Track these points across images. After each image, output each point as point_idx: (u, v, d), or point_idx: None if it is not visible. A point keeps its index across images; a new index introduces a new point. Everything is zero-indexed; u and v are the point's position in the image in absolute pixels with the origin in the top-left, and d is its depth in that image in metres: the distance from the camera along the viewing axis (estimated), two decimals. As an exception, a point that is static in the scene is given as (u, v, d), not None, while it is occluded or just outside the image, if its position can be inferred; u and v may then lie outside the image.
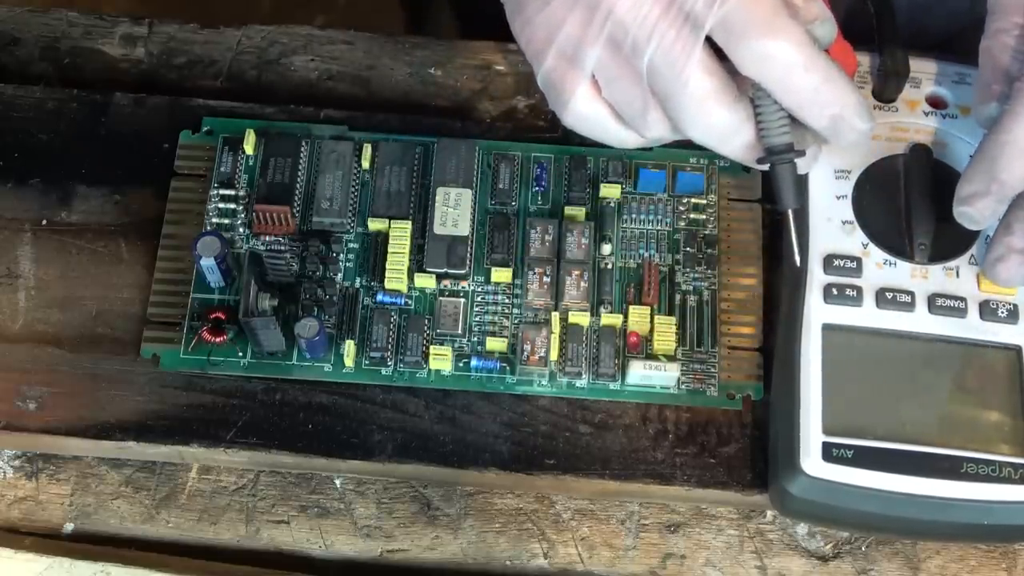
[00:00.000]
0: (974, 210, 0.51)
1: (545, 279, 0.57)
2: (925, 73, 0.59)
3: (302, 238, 0.58)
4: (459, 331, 0.57)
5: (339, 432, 0.55)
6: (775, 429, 0.54)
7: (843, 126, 0.49)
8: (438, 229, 0.58)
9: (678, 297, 0.58)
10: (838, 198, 0.56)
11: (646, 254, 0.58)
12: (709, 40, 0.48)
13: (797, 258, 0.52)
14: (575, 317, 0.57)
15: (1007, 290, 0.54)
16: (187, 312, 0.57)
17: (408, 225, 0.58)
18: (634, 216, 0.59)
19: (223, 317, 0.56)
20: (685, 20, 0.47)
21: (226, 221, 0.59)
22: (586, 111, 0.51)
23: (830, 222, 0.56)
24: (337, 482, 0.57)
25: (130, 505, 0.56)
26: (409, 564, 0.56)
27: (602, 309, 0.57)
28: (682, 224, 0.59)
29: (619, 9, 0.48)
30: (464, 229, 0.58)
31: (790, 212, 0.52)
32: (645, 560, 0.56)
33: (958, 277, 0.55)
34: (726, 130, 0.49)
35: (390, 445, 0.55)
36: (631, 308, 0.57)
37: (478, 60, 0.64)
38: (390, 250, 0.57)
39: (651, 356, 0.57)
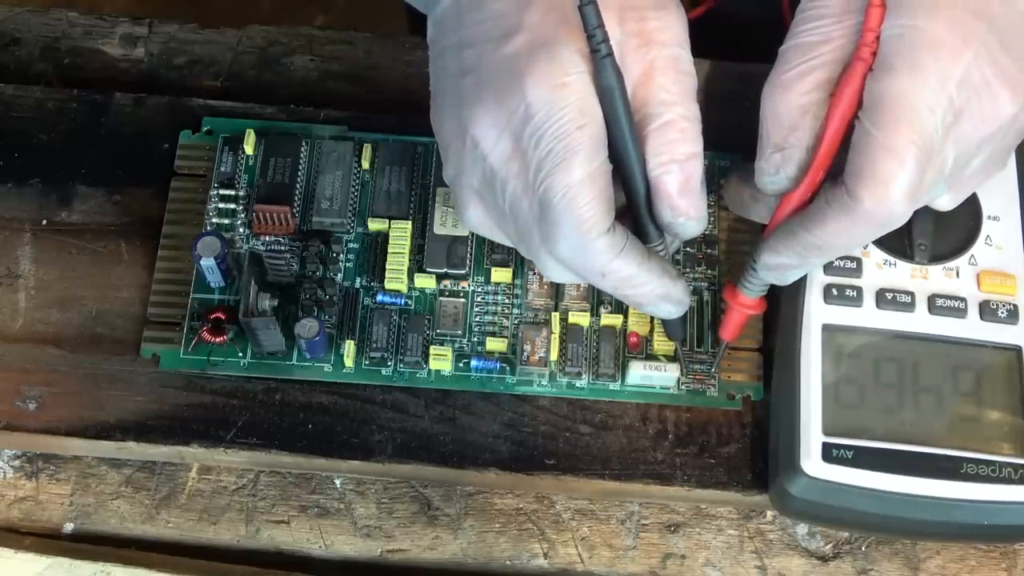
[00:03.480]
0: (779, 275, 0.52)
1: (545, 279, 0.57)
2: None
3: (302, 238, 0.58)
4: (459, 331, 0.57)
5: (339, 432, 0.55)
6: (775, 429, 0.54)
7: (648, 310, 0.52)
8: (438, 229, 0.58)
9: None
10: (838, 198, 0.56)
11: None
12: None
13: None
14: (575, 317, 0.57)
15: (1007, 290, 0.54)
16: (187, 312, 0.57)
17: (408, 225, 0.58)
18: (634, 216, 0.59)
19: (223, 317, 0.56)
20: (527, 184, 0.48)
21: (226, 221, 0.59)
22: (477, 224, 0.52)
23: (830, 222, 0.56)
24: (337, 482, 0.57)
25: (130, 505, 0.56)
26: (409, 564, 0.56)
27: (602, 309, 0.57)
28: (682, 224, 0.59)
29: (484, 152, 0.49)
30: (464, 229, 0.58)
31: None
32: (645, 560, 0.56)
33: (958, 277, 0.55)
34: (570, 279, 0.52)
35: (390, 445, 0.55)
36: (631, 308, 0.57)
37: (478, 60, 0.64)
38: (390, 250, 0.57)
39: (651, 356, 0.57)
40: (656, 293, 0.50)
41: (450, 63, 0.50)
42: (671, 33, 0.49)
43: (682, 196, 0.49)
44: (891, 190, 0.46)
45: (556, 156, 0.47)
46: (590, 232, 0.48)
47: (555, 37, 0.47)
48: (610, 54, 0.47)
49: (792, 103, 0.49)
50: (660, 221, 0.51)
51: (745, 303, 0.54)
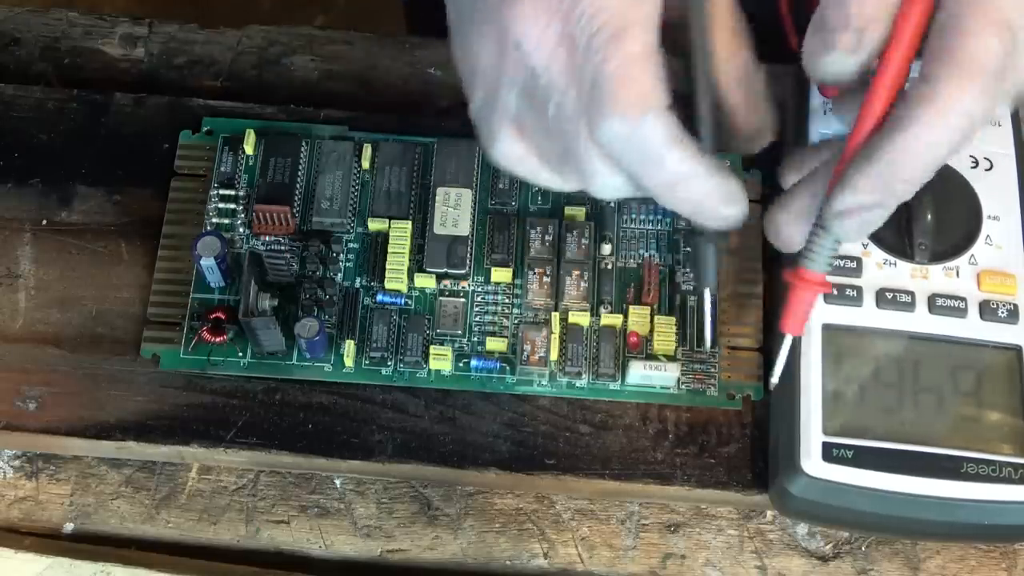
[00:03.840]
0: (858, 223, 0.46)
1: (545, 279, 0.57)
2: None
3: (302, 238, 0.58)
4: (459, 331, 0.57)
5: (339, 432, 0.55)
6: (775, 429, 0.54)
7: (705, 215, 0.47)
8: (438, 229, 0.58)
9: (678, 297, 0.58)
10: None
11: (646, 254, 0.58)
12: None
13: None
14: (575, 317, 0.57)
15: (1007, 290, 0.54)
16: (187, 312, 0.57)
17: (408, 225, 0.58)
18: (634, 216, 0.59)
19: (223, 317, 0.56)
20: (576, 68, 0.45)
21: (226, 221, 0.59)
22: (509, 156, 0.49)
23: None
24: (337, 482, 0.57)
25: (130, 505, 0.56)
26: (409, 564, 0.56)
27: (602, 309, 0.57)
28: (682, 224, 0.59)
29: (528, 51, 0.45)
30: (464, 229, 0.58)
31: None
32: (645, 560, 0.56)
33: (958, 277, 0.55)
34: (625, 192, 0.48)
35: (390, 445, 0.55)
36: (631, 308, 0.57)
37: (478, 60, 0.64)
38: (390, 250, 0.57)
39: (651, 356, 0.57)
40: (720, 190, 0.46)
41: None
42: None
43: (753, 98, 0.47)
44: (974, 73, 0.42)
45: (609, 29, 0.43)
46: (648, 106, 0.44)
47: None
48: None
49: None
50: (734, 126, 0.47)
51: (814, 279, 0.48)
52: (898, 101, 0.44)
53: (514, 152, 0.49)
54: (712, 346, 0.56)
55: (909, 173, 0.44)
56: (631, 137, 0.44)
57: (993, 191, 0.56)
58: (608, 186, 0.47)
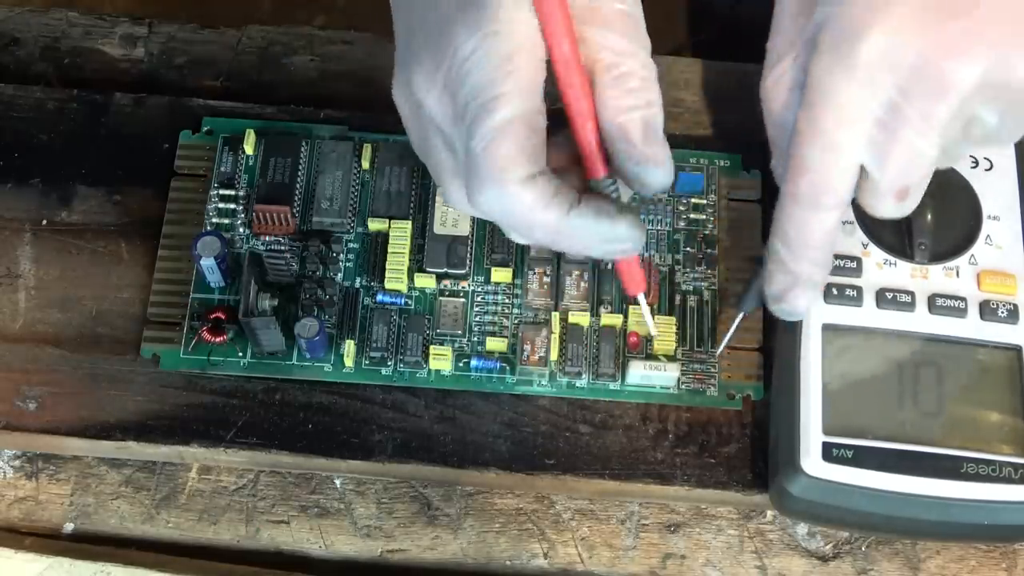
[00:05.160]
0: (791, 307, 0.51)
1: (545, 279, 0.57)
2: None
3: (302, 238, 0.58)
4: (459, 331, 0.57)
5: (339, 432, 0.55)
6: (775, 429, 0.54)
7: (593, 255, 0.50)
8: (438, 229, 0.58)
9: (678, 297, 0.58)
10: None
11: (646, 254, 0.58)
12: None
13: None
14: (575, 317, 0.57)
15: (1007, 290, 0.54)
16: (187, 312, 0.57)
17: (408, 225, 0.58)
18: (634, 216, 0.59)
19: (223, 317, 0.56)
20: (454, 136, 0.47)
21: (226, 221, 0.59)
22: (461, 203, 0.50)
23: (830, 222, 0.56)
24: (337, 482, 0.57)
25: (130, 505, 0.56)
26: (409, 564, 0.56)
27: (602, 309, 0.57)
28: (682, 224, 0.59)
29: (430, 114, 0.48)
30: (464, 229, 0.58)
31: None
32: (645, 560, 0.56)
33: (958, 277, 0.55)
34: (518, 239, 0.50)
35: (390, 445, 0.55)
36: (631, 308, 0.57)
37: (478, 60, 0.64)
38: (390, 250, 0.57)
39: (651, 356, 0.57)
40: (597, 239, 0.47)
41: (401, 30, 0.49)
42: None
43: (647, 143, 0.47)
44: (814, 175, 0.46)
45: (478, 104, 0.45)
46: (507, 177, 0.45)
47: None
48: None
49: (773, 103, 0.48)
50: (624, 173, 0.48)
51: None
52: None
53: (462, 198, 0.49)
54: (718, 354, 0.56)
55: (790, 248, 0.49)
56: (502, 207, 0.46)
57: (993, 191, 0.56)
58: (520, 240, 0.50)
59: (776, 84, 0.48)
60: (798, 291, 0.50)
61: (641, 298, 0.54)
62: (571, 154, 0.48)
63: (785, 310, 0.51)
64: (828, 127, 0.45)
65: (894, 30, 0.44)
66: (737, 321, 0.55)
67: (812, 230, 0.48)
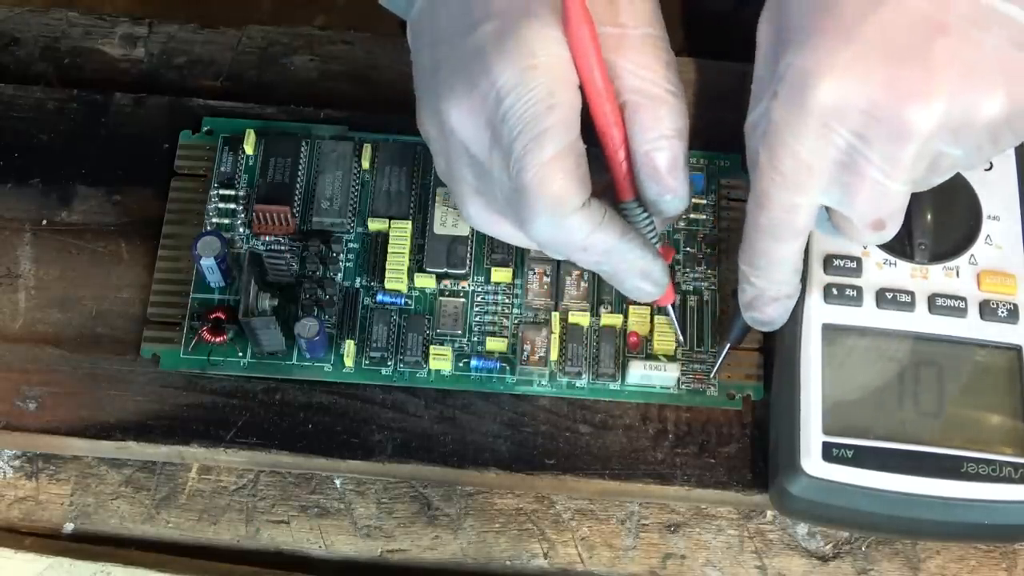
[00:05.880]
0: (764, 316, 0.52)
1: (545, 279, 0.57)
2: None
3: (302, 238, 0.58)
4: (459, 331, 0.57)
5: (339, 432, 0.55)
6: (775, 429, 0.54)
7: (623, 286, 0.52)
8: (438, 229, 0.58)
9: (678, 297, 0.58)
10: (838, 198, 0.56)
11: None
12: None
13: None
14: (575, 317, 0.57)
15: (1007, 290, 0.54)
16: (187, 312, 0.57)
17: (408, 225, 0.58)
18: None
19: (223, 317, 0.56)
20: (506, 163, 0.48)
21: (226, 221, 0.59)
22: (478, 220, 0.52)
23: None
24: (337, 482, 0.57)
25: (130, 505, 0.56)
26: (409, 564, 0.56)
27: (602, 309, 0.57)
28: (682, 224, 0.59)
29: (465, 142, 0.49)
30: (464, 229, 0.58)
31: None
32: (645, 560, 0.56)
33: (958, 277, 0.55)
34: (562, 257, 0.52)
35: (390, 445, 0.55)
36: (631, 308, 0.57)
37: (478, 60, 0.64)
38: (390, 250, 0.57)
39: (651, 356, 0.57)
40: (637, 267, 0.50)
41: (425, 61, 0.51)
42: (642, 14, 0.50)
43: (671, 174, 0.50)
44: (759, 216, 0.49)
45: (525, 137, 0.47)
46: (564, 209, 0.48)
47: (523, 20, 0.47)
48: None
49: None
50: (645, 197, 0.51)
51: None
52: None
53: (483, 218, 0.52)
54: (712, 376, 0.57)
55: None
56: (555, 236, 0.49)
57: (993, 191, 0.56)
58: (559, 256, 0.52)
59: (754, 126, 0.50)
60: (767, 304, 0.52)
61: (670, 309, 0.55)
62: (599, 176, 0.50)
63: (758, 319, 0.53)
64: (786, 170, 0.47)
65: (845, 78, 0.45)
66: (725, 351, 0.56)
67: (774, 256, 0.50)
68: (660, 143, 0.49)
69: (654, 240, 0.52)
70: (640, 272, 0.51)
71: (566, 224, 0.48)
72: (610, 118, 0.49)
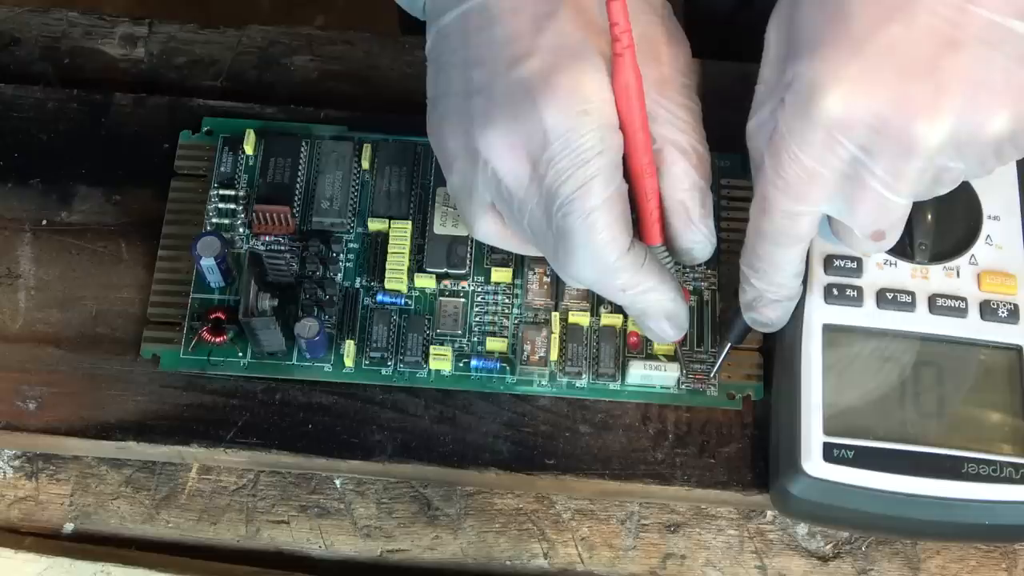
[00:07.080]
0: (763, 317, 0.53)
1: (545, 279, 0.57)
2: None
3: (302, 238, 0.58)
4: (459, 331, 0.57)
5: (339, 432, 0.55)
6: (775, 429, 0.54)
7: (647, 324, 0.54)
8: (438, 229, 0.58)
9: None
10: (838, 198, 0.56)
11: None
12: None
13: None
14: (575, 317, 0.57)
15: (1008, 290, 0.54)
16: (187, 312, 0.57)
17: (408, 225, 0.58)
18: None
19: (223, 317, 0.56)
20: (546, 209, 0.49)
21: (226, 221, 0.59)
22: (489, 236, 0.54)
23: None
24: (337, 482, 0.57)
25: (130, 505, 0.56)
26: (409, 564, 0.56)
27: (602, 309, 0.57)
28: (682, 224, 0.59)
29: (499, 174, 0.50)
30: (464, 229, 0.58)
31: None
32: (645, 560, 0.56)
33: (958, 277, 0.55)
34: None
35: (390, 445, 0.55)
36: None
37: (478, 60, 0.64)
38: (390, 250, 0.57)
39: (651, 356, 0.57)
40: (666, 309, 0.52)
41: (455, 80, 0.51)
42: (681, 63, 0.52)
43: (703, 221, 0.52)
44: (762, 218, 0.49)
45: (575, 183, 0.48)
46: (611, 255, 0.49)
47: (574, 64, 0.48)
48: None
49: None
50: (676, 243, 0.53)
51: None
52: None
53: (493, 233, 0.53)
54: (712, 375, 0.57)
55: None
56: (596, 280, 0.51)
57: (993, 191, 0.56)
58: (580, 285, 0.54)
59: (758, 130, 0.50)
60: (768, 305, 0.52)
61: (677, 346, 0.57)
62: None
63: (759, 320, 0.53)
64: (789, 178, 0.47)
65: (852, 91, 0.45)
66: (726, 351, 0.56)
67: (775, 260, 0.51)
68: (694, 193, 0.52)
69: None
70: (666, 314, 0.53)
71: (612, 269, 0.50)
72: (647, 169, 0.50)
